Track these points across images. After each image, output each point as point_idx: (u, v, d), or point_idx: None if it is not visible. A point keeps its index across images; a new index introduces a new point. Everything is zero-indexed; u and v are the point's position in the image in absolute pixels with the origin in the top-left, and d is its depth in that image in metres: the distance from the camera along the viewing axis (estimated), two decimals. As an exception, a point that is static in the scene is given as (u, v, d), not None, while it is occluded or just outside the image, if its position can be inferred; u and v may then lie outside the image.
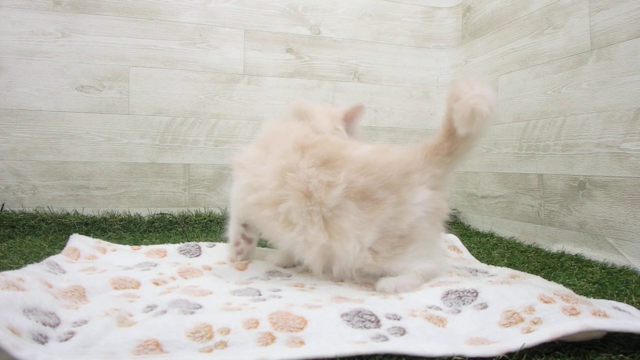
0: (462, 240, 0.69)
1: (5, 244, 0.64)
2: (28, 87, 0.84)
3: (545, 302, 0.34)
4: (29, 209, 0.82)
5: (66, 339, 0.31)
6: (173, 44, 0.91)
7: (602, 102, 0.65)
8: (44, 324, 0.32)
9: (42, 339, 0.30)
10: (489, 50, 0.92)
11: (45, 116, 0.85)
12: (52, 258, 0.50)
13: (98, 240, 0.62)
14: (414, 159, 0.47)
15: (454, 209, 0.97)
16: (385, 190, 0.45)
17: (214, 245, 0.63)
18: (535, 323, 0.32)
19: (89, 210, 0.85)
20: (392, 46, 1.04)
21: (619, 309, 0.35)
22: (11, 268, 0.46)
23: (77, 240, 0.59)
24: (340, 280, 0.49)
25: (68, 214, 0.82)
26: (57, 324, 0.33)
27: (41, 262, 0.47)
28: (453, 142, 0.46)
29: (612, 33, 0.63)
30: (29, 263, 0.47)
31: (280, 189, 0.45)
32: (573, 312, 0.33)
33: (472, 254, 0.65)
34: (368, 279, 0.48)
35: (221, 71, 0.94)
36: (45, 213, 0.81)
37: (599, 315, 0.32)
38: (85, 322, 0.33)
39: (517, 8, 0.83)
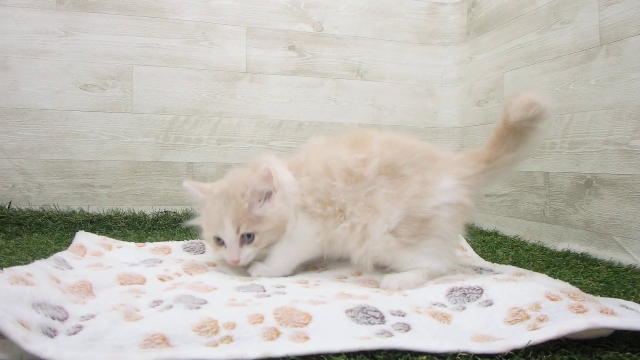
0: (465, 239, 0.69)
1: (13, 241, 0.65)
2: (32, 86, 0.84)
3: (552, 299, 0.34)
4: (36, 206, 0.83)
5: (74, 333, 0.31)
6: (175, 42, 0.91)
7: (610, 99, 0.64)
8: (53, 318, 0.32)
9: (51, 333, 0.31)
10: (494, 47, 0.90)
11: (50, 115, 0.85)
12: (59, 254, 0.51)
13: (103, 237, 0.63)
14: (445, 153, 0.49)
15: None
16: (412, 168, 0.46)
17: (218, 243, 0.64)
18: (541, 320, 0.32)
19: (94, 208, 0.86)
20: (395, 43, 1.03)
21: (627, 307, 0.35)
22: (19, 264, 0.46)
23: (83, 237, 0.59)
24: (344, 277, 0.49)
25: (74, 211, 0.83)
26: (66, 318, 0.33)
27: (48, 258, 0.48)
28: (495, 151, 0.46)
29: (622, 28, 0.62)
30: (37, 259, 0.48)
31: (329, 177, 0.46)
32: (580, 310, 0.33)
33: (477, 253, 0.64)
34: (373, 275, 0.48)
35: (224, 69, 0.94)
36: (52, 211, 0.82)
37: (606, 313, 0.32)
38: (92, 316, 0.33)
39: (524, 3, 0.82)
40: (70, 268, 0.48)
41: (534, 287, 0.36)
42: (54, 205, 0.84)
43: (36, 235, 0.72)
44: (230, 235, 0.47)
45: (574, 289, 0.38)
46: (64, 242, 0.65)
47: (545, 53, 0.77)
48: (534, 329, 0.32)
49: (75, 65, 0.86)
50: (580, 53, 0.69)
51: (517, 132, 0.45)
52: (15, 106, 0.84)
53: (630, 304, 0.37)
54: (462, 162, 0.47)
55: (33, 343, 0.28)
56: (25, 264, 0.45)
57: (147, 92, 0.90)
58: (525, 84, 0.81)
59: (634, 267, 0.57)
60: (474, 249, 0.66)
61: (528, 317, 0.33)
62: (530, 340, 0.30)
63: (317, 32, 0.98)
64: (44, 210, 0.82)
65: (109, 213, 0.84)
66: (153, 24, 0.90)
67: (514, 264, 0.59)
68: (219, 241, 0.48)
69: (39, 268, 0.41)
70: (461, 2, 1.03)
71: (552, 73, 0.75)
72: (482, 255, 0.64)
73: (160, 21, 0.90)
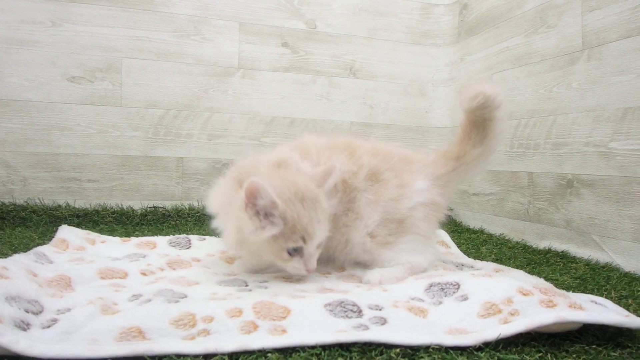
0: (452, 237, 0.70)
1: (-6, 235, 0.64)
2: (17, 77, 0.82)
3: (524, 294, 0.35)
4: (19, 200, 0.81)
5: (49, 326, 0.31)
6: (166, 36, 0.90)
7: (591, 102, 0.66)
8: (27, 311, 0.32)
9: (24, 326, 0.30)
10: (484, 48, 0.92)
11: (36, 107, 0.84)
12: (40, 248, 0.50)
13: (87, 231, 0.62)
14: (419, 155, 0.51)
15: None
16: (391, 173, 0.48)
17: (205, 238, 0.63)
18: (512, 314, 0.33)
19: (80, 203, 0.85)
20: (388, 42, 1.03)
21: (596, 302, 0.36)
22: (-2, 258, 0.46)
23: (66, 232, 0.58)
24: (327, 272, 0.50)
25: (59, 206, 0.82)
26: (40, 312, 0.33)
27: (28, 252, 0.47)
28: (463, 148, 0.48)
29: (603, 33, 0.64)
30: (16, 254, 0.47)
31: (334, 189, 0.47)
32: (550, 304, 0.34)
33: (462, 250, 0.66)
34: (356, 271, 0.48)
35: (215, 64, 0.93)
36: (36, 205, 0.80)
37: (575, 307, 0.33)
38: (68, 310, 0.33)
39: (512, 6, 0.83)
40: (51, 262, 0.47)
41: (507, 282, 0.37)
42: (38, 199, 0.83)
43: (19, 229, 0.71)
44: (317, 243, 0.40)
45: (547, 285, 0.38)
46: (47, 236, 0.64)
47: (531, 56, 0.79)
48: (506, 322, 0.33)
49: (62, 56, 0.84)
50: (564, 57, 0.71)
51: (478, 126, 0.47)
52: (-1, 97, 0.82)
53: (600, 299, 0.38)
54: (434, 162, 0.49)
55: (4, 336, 0.27)
56: (5, 258, 0.44)
57: (137, 86, 0.89)
58: (512, 86, 0.83)
59: (610, 265, 0.59)
60: (459, 246, 0.68)
61: (500, 311, 0.34)
62: (500, 334, 0.31)
63: (311, 29, 0.98)
64: (28, 204, 0.80)
65: (96, 208, 0.83)
66: (143, 17, 0.88)
67: (496, 261, 0.60)
68: (295, 252, 0.39)
69: (16, 262, 0.40)
70: (453, 4, 1.04)
71: (537, 76, 0.77)
72: (467, 252, 0.66)
73: (150, 14, 0.89)
